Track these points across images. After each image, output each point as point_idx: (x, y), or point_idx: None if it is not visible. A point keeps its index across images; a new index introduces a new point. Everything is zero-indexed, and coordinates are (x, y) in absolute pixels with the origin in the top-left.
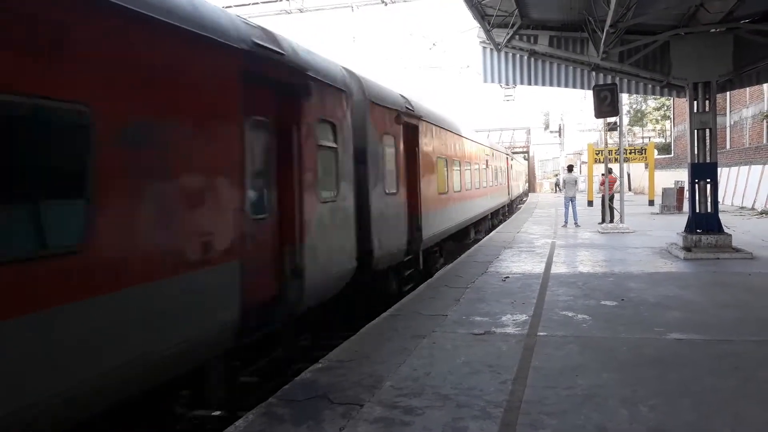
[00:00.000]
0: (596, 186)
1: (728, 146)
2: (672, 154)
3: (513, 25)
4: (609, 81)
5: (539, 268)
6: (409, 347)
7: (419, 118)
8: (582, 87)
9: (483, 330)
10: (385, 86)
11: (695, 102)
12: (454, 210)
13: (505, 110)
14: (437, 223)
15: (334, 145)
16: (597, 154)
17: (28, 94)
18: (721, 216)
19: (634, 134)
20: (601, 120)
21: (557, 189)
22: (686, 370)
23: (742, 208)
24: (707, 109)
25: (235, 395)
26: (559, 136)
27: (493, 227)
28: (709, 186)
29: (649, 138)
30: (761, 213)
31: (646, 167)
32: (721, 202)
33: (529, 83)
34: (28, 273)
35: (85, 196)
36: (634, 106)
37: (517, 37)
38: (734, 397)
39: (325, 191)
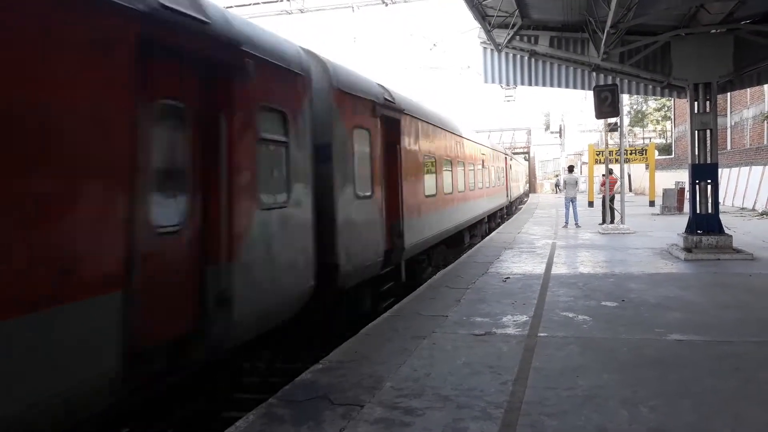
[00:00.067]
0: (597, 187)
1: (729, 147)
2: (673, 155)
3: (513, 26)
4: (609, 82)
5: (540, 269)
6: (410, 348)
7: (401, 111)
8: (582, 87)
9: (484, 331)
10: (360, 73)
11: (696, 103)
12: (445, 214)
13: (506, 111)
14: (424, 228)
15: (283, 140)
16: (598, 155)
17: None
18: (721, 217)
19: (635, 135)
20: (601, 121)
21: (558, 190)
22: (687, 371)
23: (742, 209)
24: (708, 109)
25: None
26: (560, 136)
27: (491, 230)
28: (709, 187)
29: (650, 139)
30: (762, 214)
31: (646, 168)
32: (721, 203)
33: (530, 84)
34: None
35: None
36: (634, 107)
37: (517, 37)
38: (735, 398)
39: (269, 196)
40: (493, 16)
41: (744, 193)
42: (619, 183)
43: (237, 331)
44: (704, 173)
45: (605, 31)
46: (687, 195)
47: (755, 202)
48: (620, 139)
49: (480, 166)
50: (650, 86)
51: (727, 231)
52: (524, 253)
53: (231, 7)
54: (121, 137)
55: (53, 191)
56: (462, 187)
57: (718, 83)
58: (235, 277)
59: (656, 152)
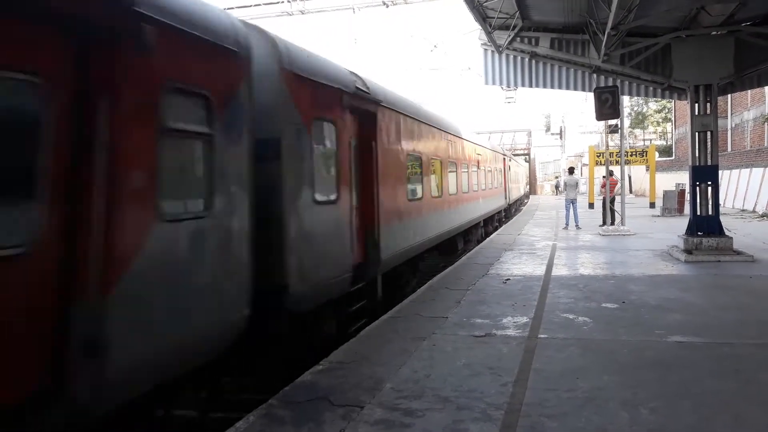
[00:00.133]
0: (597, 188)
1: (729, 149)
2: (673, 157)
3: (514, 27)
4: (610, 83)
5: (540, 271)
6: (410, 349)
7: (378, 103)
8: (583, 89)
9: (484, 332)
10: (324, 57)
11: (696, 104)
12: (433, 219)
13: (507, 112)
14: (407, 236)
15: (206, 131)
16: (598, 157)
17: None
18: (722, 219)
19: (635, 136)
20: (602, 122)
21: (558, 191)
22: (687, 373)
23: (743, 210)
24: (708, 111)
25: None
26: (561, 138)
27: (488, 234)
28: (710, 189)
29: (650, 140)
30: (762, 216)
31: (647, 170)
32: (722, 205)
33: (530, 85)
34: None
35: None
36: (635, 109)
37: (518, 39)
38: (735, 399)
39: (177, 203)
40: (493, 17)
41: (744, 194)
42: (619, 185)
43: (113, 392)
44: (705, 175)
45: (606, 33)
46: (687, 197)
47: (756, 204)
48: (621, 140)
49: (475, 167)
50: (651, 88)
51: (727, 233)
52: (524, 255)
53: (231, 8)
54: None
55: None
56: (454, 189)
57: (719, 85)
58: (114, 315)
59: (657, 154)
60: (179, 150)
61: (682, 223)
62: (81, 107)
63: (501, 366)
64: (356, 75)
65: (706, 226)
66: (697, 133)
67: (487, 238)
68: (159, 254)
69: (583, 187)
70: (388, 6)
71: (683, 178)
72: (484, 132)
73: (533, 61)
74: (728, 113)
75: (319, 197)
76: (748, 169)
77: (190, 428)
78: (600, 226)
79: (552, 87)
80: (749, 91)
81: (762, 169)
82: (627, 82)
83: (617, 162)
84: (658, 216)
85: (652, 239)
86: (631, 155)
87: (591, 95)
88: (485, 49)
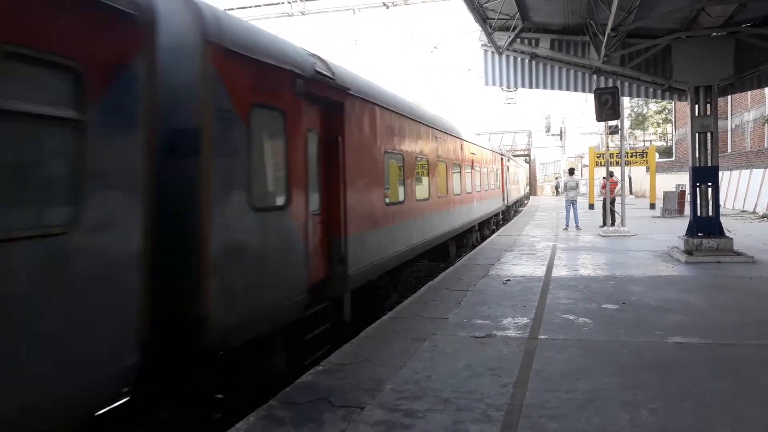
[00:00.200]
0: (597, 189)
1: (729, 150)
2: (673, 158)
3: (514, 29)
4: (610, 84)
5: (540, 271)
6: (410, 350)
7: (345, 91)
8: (583, 90)
9: (484, 333)
10: (267, 31)
11: (696, 105)
12: (418, 225)
13: (507, 113)
14: (384, 245)
15: (72, 116)
16: (598, 158)
17: None
18: (722, 220)
19: (636, 137)
20: (602, 123)
21: (558, 192)
22: (687, 374)
23: (743, 211)
24: (708, 112)
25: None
26: (561, 139)
27: (484, 238)
28: (710, 189)
29: (651, 141)
30: (762, 217)
31: (647, 171)
32: (722, 206)
33: (531, 86)
34: None
35: None
36: (635, 110)
37: (518, 40)
38: (734, 399)
39: (10, 216)
40: (494, 18)
41: (744, 196)
42: (619, 186)
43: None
44: (705, 176)
45: (606, 34)
46: (688, 198)
47: (756, 205)
48: (621, 141)
49: (469, 168)
50: (651, 89)
51: (727, 234)
52: (525, 256)
53: (232, 9)
54: None
55: None
56: (443, 191)
57: (719, 86)
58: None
59: (657, 155)
60: (19, 140)
61: (682, 224)
62: None
63: (501, 367)
64: (318, 57)
65: (706, 227)
66: (697, 134)
67: (488, 239)
68: None
69: (583, 188)
70: (388, 7)
71: (683, 179)
72: (485, 133)
73: (533, 62)
74: (728, 114)
75: (258, 203)
76: (749, 170)
77: (190, 428)
78: (600, 227)
79: (552, 88)
80: (749, 92)
81: (762, 170)
82: (627, 83)
83: (617, 163)
84: (659, 217)
85: (653, 240)
86: (631, 156)
87: (591, 96)
88: (485, 50)
